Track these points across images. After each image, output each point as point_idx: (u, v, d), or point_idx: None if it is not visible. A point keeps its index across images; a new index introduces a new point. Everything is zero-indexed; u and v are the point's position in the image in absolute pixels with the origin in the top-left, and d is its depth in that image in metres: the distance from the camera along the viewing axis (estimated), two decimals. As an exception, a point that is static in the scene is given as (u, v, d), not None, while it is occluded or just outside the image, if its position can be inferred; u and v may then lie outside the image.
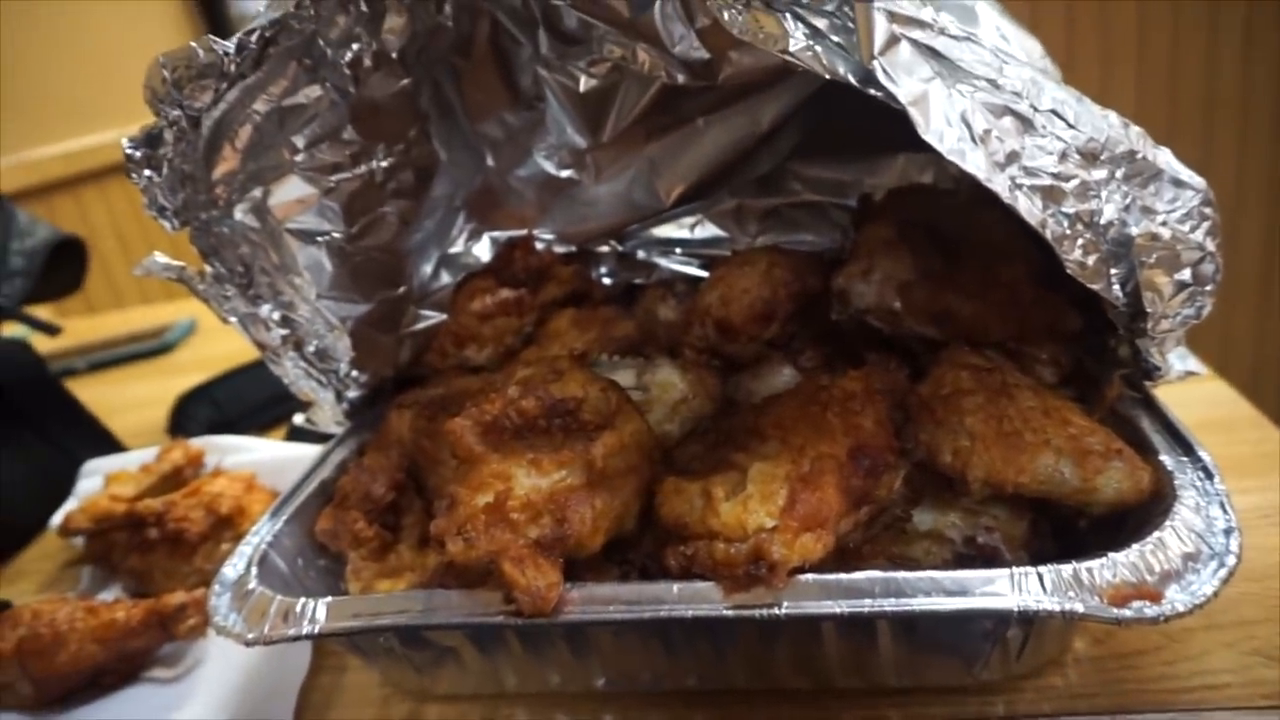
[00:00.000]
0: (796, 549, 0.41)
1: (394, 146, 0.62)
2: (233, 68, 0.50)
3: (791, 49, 0.39)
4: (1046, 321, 0.51)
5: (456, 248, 0.74)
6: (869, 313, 0.55)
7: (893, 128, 0.56)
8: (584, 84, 0.66)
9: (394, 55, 0.57)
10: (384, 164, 0.62)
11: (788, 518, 0.42)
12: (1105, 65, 1.58)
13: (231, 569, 0.51)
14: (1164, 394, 0.51)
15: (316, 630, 0.46)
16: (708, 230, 0.76)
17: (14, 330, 1.03)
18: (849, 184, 0.71)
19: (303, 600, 0.47)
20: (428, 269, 0.71)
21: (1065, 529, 0.49)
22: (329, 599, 0.47)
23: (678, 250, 0.77)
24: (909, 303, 0.52)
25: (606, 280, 0.78)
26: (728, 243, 0.75)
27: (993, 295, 0.52)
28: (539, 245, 0.74)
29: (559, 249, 0.76)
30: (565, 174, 0.72)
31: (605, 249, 0.78)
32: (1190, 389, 0.54)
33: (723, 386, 0.59)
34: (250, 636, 0.47)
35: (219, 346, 1.22)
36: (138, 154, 0.51)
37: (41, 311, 0.98)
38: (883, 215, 0.59)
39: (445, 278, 0.73)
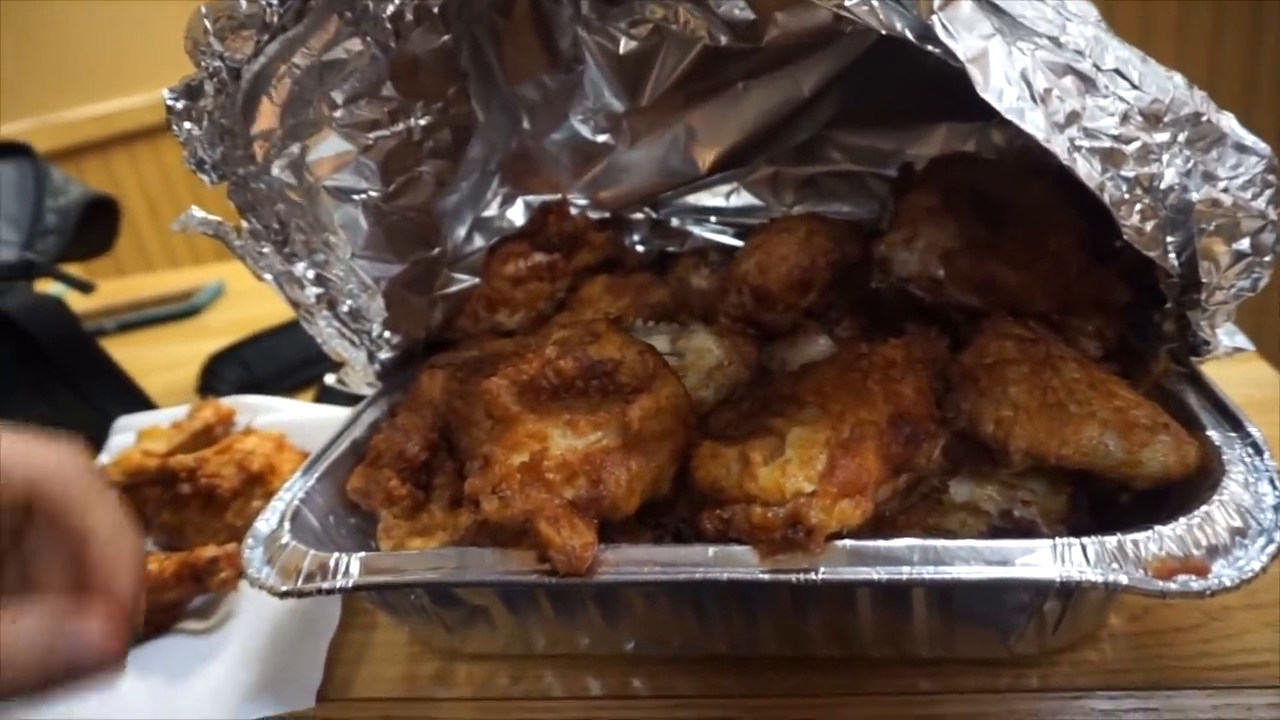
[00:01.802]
0: (835, 514, 0.41)
1: (432, 105, 0.61)
2: (275, 19, 0.50)
3: (848, 3, 0.38)
4: (1093, 293, 0.50)
5: (490, 211, 0.74)
6: (911, 281, 0.54)
7: (934, 97, 0.55)
8: (624, 46, 0.65)
9: (435, 10, 0.57)
10: (422, 122, 0.61)
11: (827, 483, 0.41)
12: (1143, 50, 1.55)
13: (264, 524, 0.51)
14: (1206, 372, 0.50)
15: (350, 585, 0.46)
16: (743, 199, 0.75)
17: (48, 288, 1.03)
18: (889, 153, 0.70)
19: (336, 555, 0.47)
20: (461, 231, 0.71)
21: (1104, 505, 0.48)
22: (362, 554, 0.47)
23: (712, 219, 0.76)
24: (952, 271, 0.52)
25: (640, 248, 0.78)
26: (763, 211, 0.74)
27: (1039, 265, 0.51)
28: (573, 210, 0.73)
29: (593, 215, 0.75)
30: (601, 139, 0.72)
31: (639, 216, 0.77)
32: (1229, 369, 0.53)
33: (758, 354, 0.58)
34: (284, 589, 0.47)
35: (246, 309, 1.23)
36: (179, 105, 0.51)
37: (73, 271, 0.99)
38: (925, 183, 0.58)
39: (479, 241, 0.72)
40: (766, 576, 0.41)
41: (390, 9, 0.54)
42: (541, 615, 0.50)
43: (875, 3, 0.38)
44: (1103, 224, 0.43)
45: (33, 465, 0.33)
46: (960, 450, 0.48)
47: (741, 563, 0.42)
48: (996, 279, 0.51)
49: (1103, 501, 0.48)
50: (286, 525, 0.51)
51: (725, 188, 0.75)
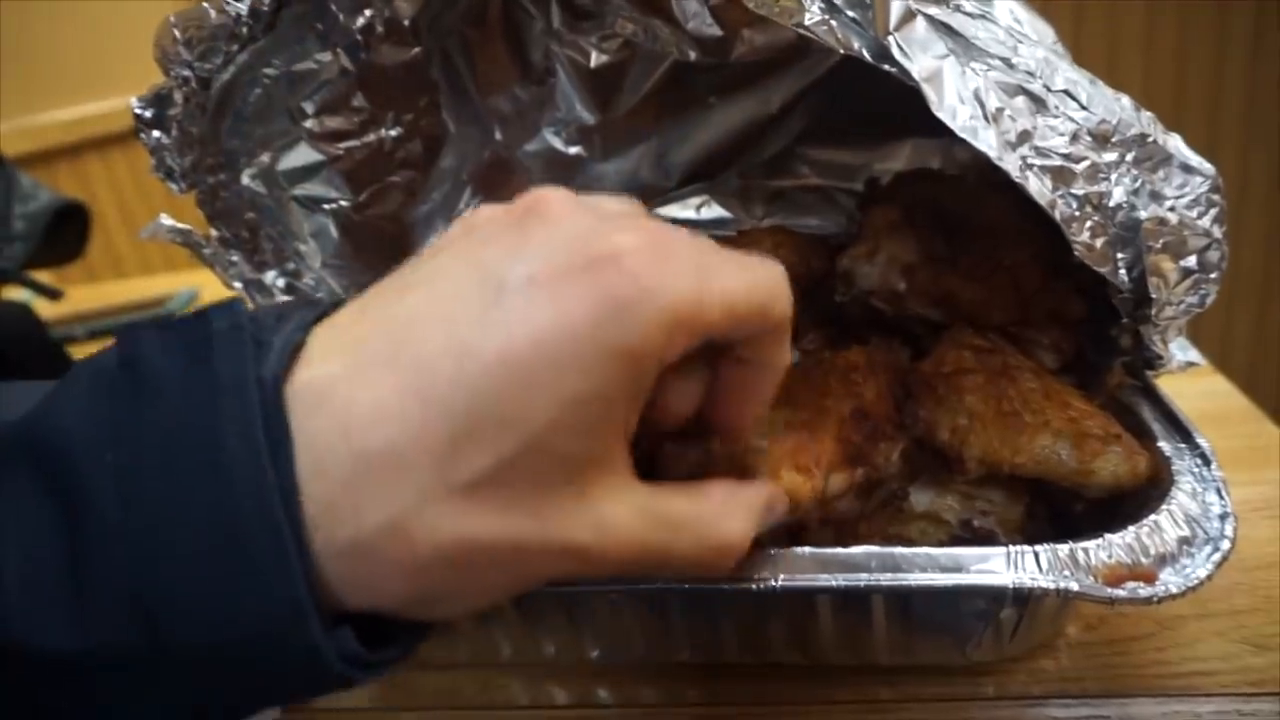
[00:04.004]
0: (784, 479, 0.41)
1: (403, 116, 0.62)
2: (244, 30, 0.50)
3: (807, 23, 0.39)
4: (1050, 307, 0.52)
5: (463, 221, 0.74)
6: (873, 294, 0.55)
7: (903, 112, 0.55)
8: (595, 59, 0.66)
9: (406, 23, 0.57)
10: (393, 133, 0.62)
11: (777, 446, 0.42)
12: (1110, 65, 1.58)
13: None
14: (1161, 385, 0.51)
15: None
16: (714, 211, 0.76)
17: (16, 294, 1.02)
18: (857, 168, 0.71)
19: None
20: (434, 240, 0.71)
21: (1062, 515, 0.49)
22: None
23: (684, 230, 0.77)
24: (913, 285, 0.53)
25: (611, 260, 0.78)
26: (734, 224, 0.75)
27: (996, 279, 0.52)
28: (545, 221, 0.73)
29: (565, 226, 0.76)
30: (573, 151, 0.72)
31: (611, 228, 0.78)
32: (1187, 382, 0.54)
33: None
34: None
35: (220, 317, 1.22)
36: (147, 114, 0.51)
37: (43, 277, 0.98)
38: (889, 198, 0.59)
39: (450, 251, 0.73)
40: (726, 585, 0.42)
41: (360, 21, 0.54)
42: (507, 623, 0.50)
43: (834, 23, 0.39)
44: (1063, 240, 0.44)
45: (786, 296, 0.30)
46: (920, 458, 0.49)
47: (703, 571, 0.42)
48: (954, 292, 0.52)
49: (1061, 512, 0.49)
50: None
51: (696, 200, 0.76)
